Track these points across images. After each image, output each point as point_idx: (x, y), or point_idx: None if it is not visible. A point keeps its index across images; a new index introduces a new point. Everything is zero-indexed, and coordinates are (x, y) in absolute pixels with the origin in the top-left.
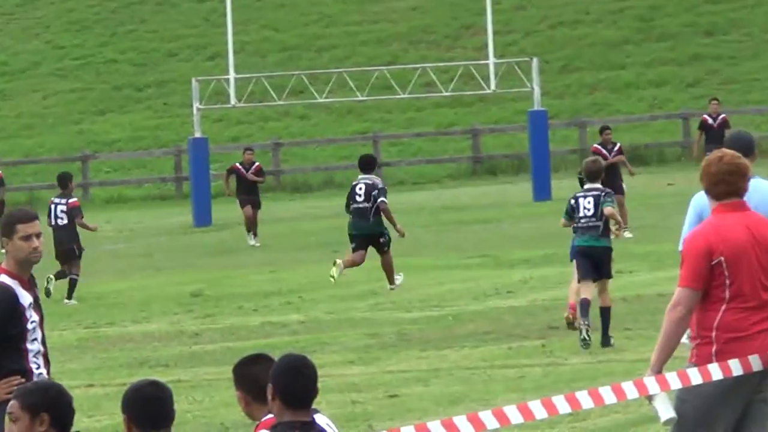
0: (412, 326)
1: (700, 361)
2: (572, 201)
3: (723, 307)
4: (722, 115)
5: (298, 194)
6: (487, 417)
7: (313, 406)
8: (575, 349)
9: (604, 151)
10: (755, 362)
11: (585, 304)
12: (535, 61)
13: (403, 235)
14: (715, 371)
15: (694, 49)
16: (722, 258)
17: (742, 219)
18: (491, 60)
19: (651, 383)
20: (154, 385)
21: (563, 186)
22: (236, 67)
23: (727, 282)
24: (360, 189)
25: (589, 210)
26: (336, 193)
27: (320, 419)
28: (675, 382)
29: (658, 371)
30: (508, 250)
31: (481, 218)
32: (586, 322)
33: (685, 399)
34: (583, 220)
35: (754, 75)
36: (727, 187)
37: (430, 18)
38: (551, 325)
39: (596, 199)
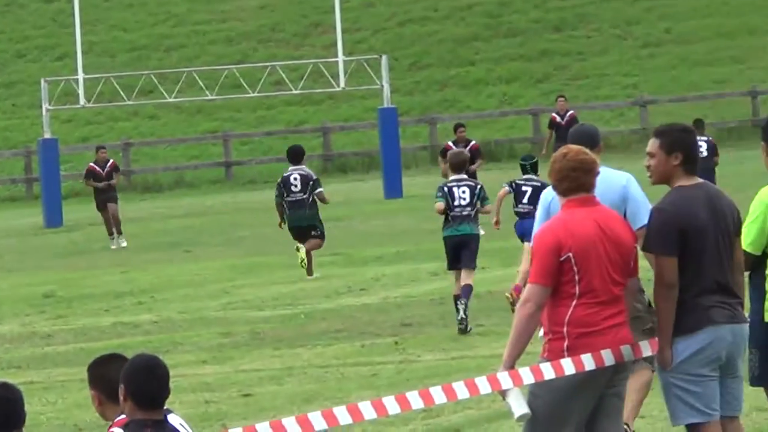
0: (265, 325)
1: (552, 356)
2: (445, 189)
3: (574, 303)
4: (570, 112)
5: (149, 194)
6: (341, 413)
7: (167, 407)
8: (428, 345)
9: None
10: (607, 357)
11: (467, 291)
12: (384, 59)
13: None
14: (568, 366)
15: (543, 44)
16: (571, 254)
17: (590, 214)
18: (340, 58)
19: (504, 378)
20: (4, 387)
21: (414, 183)
22: (85, 67)
23: (577, 277)
24: (295, 180)
25: (464, 199)
26: (187, 193)
27: (173, 419)
28: (528, 377)
29: (511, 366)
30: (360, 248)
31: (332, 216)
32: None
33: (537, 394)
34: (456, 209)
35: (602, 70)
36: (572, 183)
37: (279, 16)
38: (404, 323)
39: (471, 189)
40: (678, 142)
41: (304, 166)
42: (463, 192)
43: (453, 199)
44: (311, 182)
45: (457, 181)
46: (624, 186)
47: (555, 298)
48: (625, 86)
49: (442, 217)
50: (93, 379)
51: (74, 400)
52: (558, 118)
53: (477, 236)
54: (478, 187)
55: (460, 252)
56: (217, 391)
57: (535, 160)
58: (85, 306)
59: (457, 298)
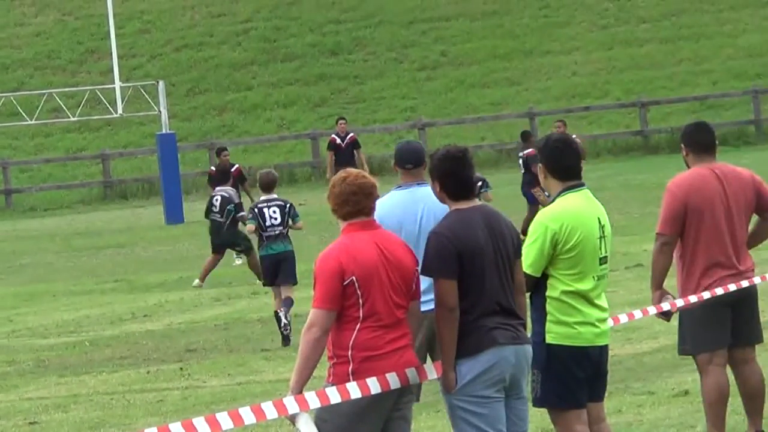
0: (49, 352)
1: (338, 380)
2: (255, 210)
3: (358, 326)
4: (350, 134)
5: None
6: None
7: None
8: (214, 371)
9: (339, 141)
10: (393, 380)
11: (288, 303)
12: (161, 84)
13: None
14: (354, 390)
15: (320, 69)
16: (354, 277)
17: (371, 237)
18: (117, 84)
19: (290, 403)
20: None
21: (195, 208)
22: None
23: (360, 301)
24: (216, 201)
25: (276, 219)
26: None
27: None
28: (314, 402)
29: (299, 392)
30: (143, 274)
31: (114, 243)
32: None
33: (325, 419)
34: (269, 229)
35: (380, 93)
36: (353, 207)
37: (54, 43)
38: (189, 348)
39: (281, 209)
40: (435, 171)
41: (228, 188)
42: (274, 212)
43: (264, 220)
44: (231, 205)
45: (267, 201)
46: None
47: (339, 322)
48: (403, 109)
49: (256, 237)
50: None
51: None
52: (338, 140)
53: (292, 252)
54: (288, 205)
55: (278, 269)
56: (2, 419)
57: None
58: None
59: (277, 313)
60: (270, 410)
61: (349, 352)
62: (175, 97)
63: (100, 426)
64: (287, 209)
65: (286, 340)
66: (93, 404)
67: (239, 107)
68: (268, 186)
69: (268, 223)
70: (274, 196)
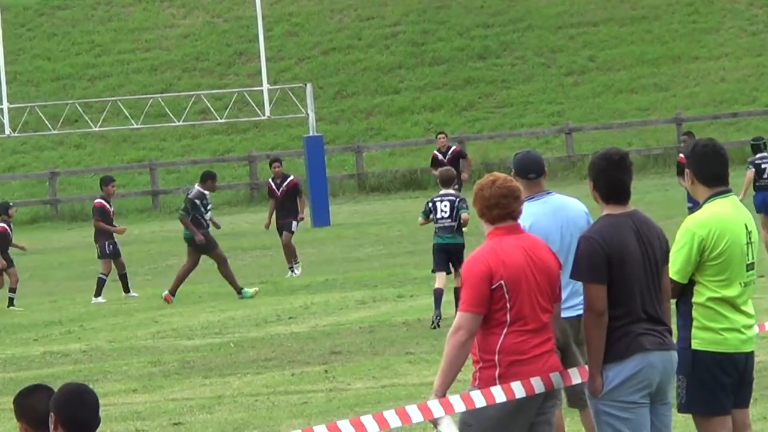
0: (194, 354)
1: (483, 384)
2: (430, 204)
3: (504, 331)
4: (453, 148)
5: (76, 223)
6: None
7: None
8: (358, 373)
9: (441, 157)
10: (537, 384)
11: (438, 294)
12: (308, 87)
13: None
14: (499, 394)
15: (468, 72)
16: (502, 281)
17: (518, 241)
18: (265, 86)
19: (435, 406)
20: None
21: (341, 211)
22: (9, 96)
23: (508, 305)
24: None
25: (445, 212)
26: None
27: None
28: (459, 406)
29: (442, 395)
30: (288, 277)
31: (260, 245)
32: (438, 313)
33: (469, 423)
34: (440, 221)
35: (527, 98)
36: (502, 210)
37: (203, 45)
38: (333, 350)
39: (452, 203)
40: (591, 170)
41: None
42: (445, 206)
43: (436, 213)
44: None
45: (441, 196)
46: (587, 213)
47: (486, 326)
48: (550, 114)
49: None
50: (20, 410)
51: (4, 430)
52: (440, 156)
53: (461, 245)
54: (458, 200)
55: (448, 258)
56: (147, 420)
57: (765, 139)
58: (13, 335)
59: (439, 293)
60: (414, 413)
61: (496, 357)
62: (322, 100)
63: (244, 427)
64: (457, 203)
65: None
66: (237, 405)
67: (386, 110)
68: (447, 181)
69: (438, 215)
70: (451, 191)
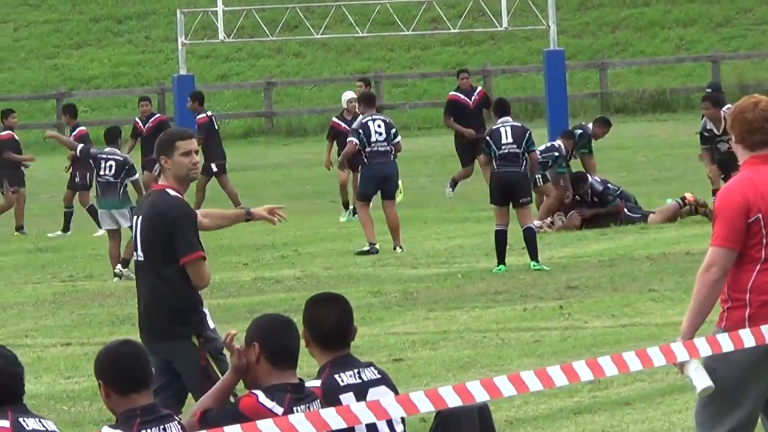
0: (418, 284)
1: (732, 325)
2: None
3: (757, 268)
4: (479, 89)
5: (292, 138)
6: (503, 383)
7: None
8: (596, 311)
9: (463, 98)
10: None
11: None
12: None
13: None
14: (748, 338)
15: None
16: (760, 215)
17: None
18: None
19: (679, 349)
20: (127, 344)
21: None
22: None
23: (765, 240)
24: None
25: (509, 139)
26: None
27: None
28: (704, 349)
29: (690, 337)
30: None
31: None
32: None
33: (712, 367)
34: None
35: None
36: (764, 135)
37: None
38: (570, 285)
39: (515, 131)
40: None
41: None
42: (507, 134)
43: (499, 139)
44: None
45: (503, 123)
46: None
47: (738, 262)
48: None
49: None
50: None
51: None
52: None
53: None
54: (528, 133)
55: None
56: (365, 355)
57: None
58: (222, 259)
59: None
60: (657, 356)
61: (747, 296)
62: (565, 11)
63: (471, 366)
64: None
65: None
66: (464, 342)
67: (634, 24)
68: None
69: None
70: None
